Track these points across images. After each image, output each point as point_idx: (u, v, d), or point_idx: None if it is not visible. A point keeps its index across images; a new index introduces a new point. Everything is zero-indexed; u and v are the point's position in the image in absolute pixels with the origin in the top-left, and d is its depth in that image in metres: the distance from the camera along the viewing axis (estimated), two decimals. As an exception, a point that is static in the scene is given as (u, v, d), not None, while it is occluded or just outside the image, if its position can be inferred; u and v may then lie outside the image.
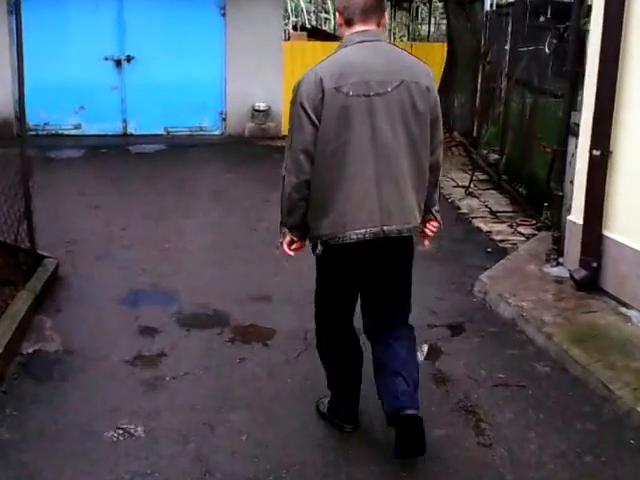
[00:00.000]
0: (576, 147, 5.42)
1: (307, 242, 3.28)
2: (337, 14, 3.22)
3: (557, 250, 5.61)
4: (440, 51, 11.49)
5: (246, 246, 6.26)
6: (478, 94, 10.24)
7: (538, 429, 3.60)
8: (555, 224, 5.84)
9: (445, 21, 13.08)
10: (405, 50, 3.31)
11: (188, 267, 5.77)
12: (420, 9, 17.02)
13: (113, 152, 10.02)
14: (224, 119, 11.31)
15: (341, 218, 3.09)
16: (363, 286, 3.31)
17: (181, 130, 11.20)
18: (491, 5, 10.00)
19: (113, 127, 11.00)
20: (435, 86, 3.21)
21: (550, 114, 6.94)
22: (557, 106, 6.78)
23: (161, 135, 11.05)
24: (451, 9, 11.06)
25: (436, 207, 3.41)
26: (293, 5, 18.90)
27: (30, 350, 4.29)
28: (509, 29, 8.72)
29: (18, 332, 4.31)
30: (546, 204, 6.39)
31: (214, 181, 8.52)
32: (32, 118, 9.92)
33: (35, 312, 4.72)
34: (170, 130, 11.18)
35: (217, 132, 11.36)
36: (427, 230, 3.37)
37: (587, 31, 5.46)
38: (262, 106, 11.08)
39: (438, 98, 3.21)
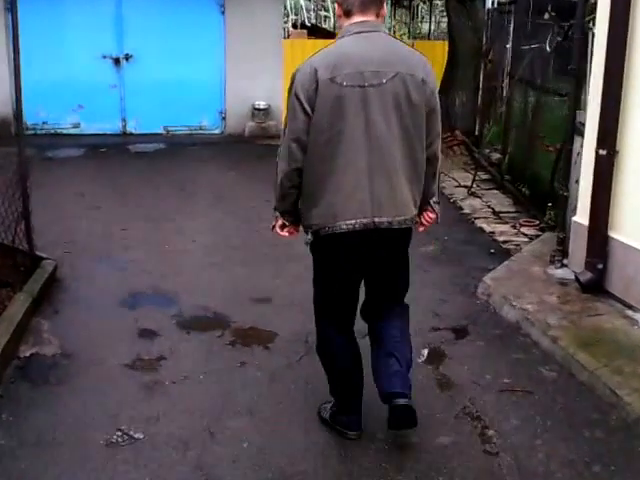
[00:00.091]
0: (582, 146, 5.35)
1: (300, 228, 3.33)
2: (336, 5, 3.23)
3: (562, 251, 5.53)
4: (441, 49, 11.43)
5: (247, 247, 6.19)
6: (480, 93, 10.19)
7: (545, 436, 3.52)
8: (560, 225, 5.77)
9: (445, 19, 13.03)
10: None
11: (188, 268, 5.71)
12: (420, 7, 16.98)
13: (112, 151, 9.96)
14: (224, 118, 11.24)
15: (332, 208, 3.10)
16: (357, 277, 3.31)
17: (181, 129, 11.14)
18: (492, 3, 9.95)
19: (112, 126, 10.94)
20: (433, 77, 3.18)
21: (553, 113, 6.87)
22: (560, 105, 6.73)
23: (160, 134, 11.00)
24: (452, 7, 10.99)
25: (434, 198, 3.38)
26: (293, 3, 18.87)
27: (27, 353, 4.22)
28: (511, 27, 8.67)
29: (15, 335, 4.25)
30: (549, 204, 6.32)
31: (214, 181, 8.46)
32: (30, 117, 9.89)
33: (33, 314, 4.66)
34: (169, 129, 11.12)
35: (217, 131, 11.30)
36: (423, 220, 3.38)
37: (591, 29, 5.40)
38: (262, 105, 11.02)
39: (436, 90, 3.18)
